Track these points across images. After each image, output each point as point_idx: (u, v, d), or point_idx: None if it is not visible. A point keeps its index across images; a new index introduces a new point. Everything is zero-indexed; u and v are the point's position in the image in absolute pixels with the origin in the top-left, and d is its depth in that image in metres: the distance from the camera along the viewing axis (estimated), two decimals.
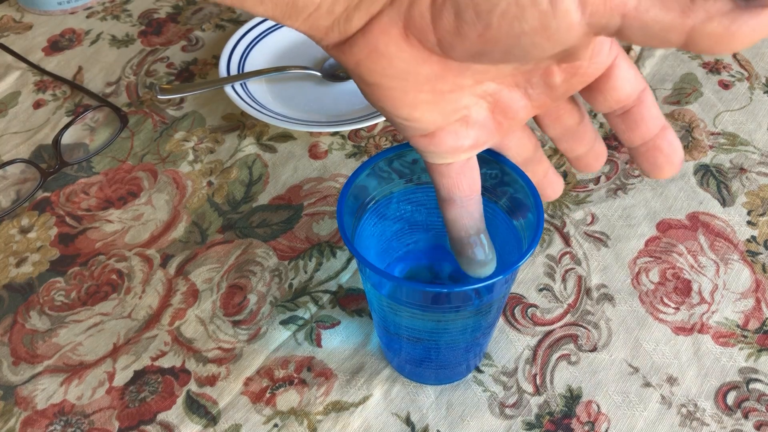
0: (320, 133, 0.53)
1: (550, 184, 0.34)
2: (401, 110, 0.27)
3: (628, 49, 0.59)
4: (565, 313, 0.42)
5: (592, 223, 0.47)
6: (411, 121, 0.27)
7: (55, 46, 0.63)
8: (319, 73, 0.57)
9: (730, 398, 0.39)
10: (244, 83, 0.56)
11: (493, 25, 0.22)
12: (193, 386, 0.40)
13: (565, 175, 0.50)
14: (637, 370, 0.40)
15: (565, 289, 0.44)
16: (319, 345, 0.42)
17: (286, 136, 0.53)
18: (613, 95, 0.27)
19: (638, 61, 0.58)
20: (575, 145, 0.31)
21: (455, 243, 0.32)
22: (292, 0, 0.23)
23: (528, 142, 0.32)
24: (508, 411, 0.39)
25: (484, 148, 0.30)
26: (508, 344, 0.41)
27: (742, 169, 0.50)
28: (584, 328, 0.42)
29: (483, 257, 0.31)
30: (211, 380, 0.40)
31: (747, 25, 0.19)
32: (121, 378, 0.41)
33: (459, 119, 0.28)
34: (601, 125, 0.53)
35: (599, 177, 0.50)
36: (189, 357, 0.41)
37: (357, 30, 0.25)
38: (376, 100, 0.27)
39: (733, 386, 0.39)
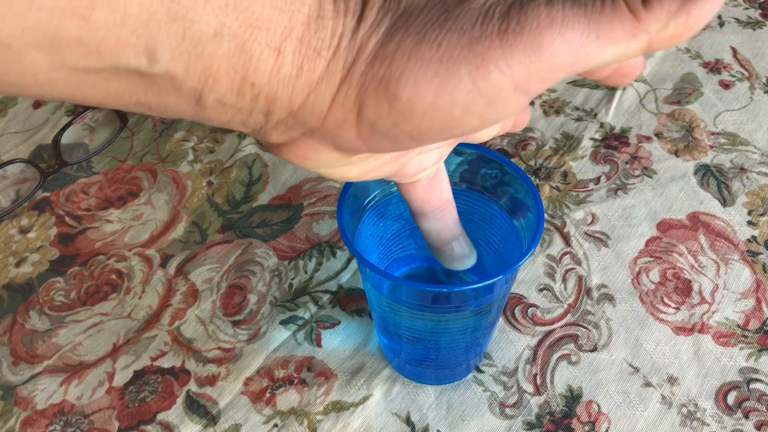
0: None
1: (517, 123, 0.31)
2: (350, 179, 0.25)
3: None
4: (566, 313, 0.42)
5: (592, 223, 0.47)
6: (366, 179, 0.26)
7: None
8: None
9: (731, 398, 0.39)
10: None
11: (433, 140, 0.21)
12: (193, 386, 0.40)
13: (565, 174, 0.50)
14: (637, 370, 0.40)
15: (565, 289, 0.44)
16: (319, 345, 0.41)
17: None
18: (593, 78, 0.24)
19: None
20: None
21: (432, 248, 0.32)
22: (197, 116, 0.21)
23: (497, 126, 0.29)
24: (508, 411, 0.39)
25: (447, 154, 0.29)
26: (509, 344, 0.41)
27: (742, 169, 0.50)
28: (584, 328, 0.42)
29: (460, 253, 0.31)
30: (211, 380, 0.40)
31: (703, 10, 0.19)
32: (121, 378, 0.40)
33: (416, 154, 0.27)
34: (602, 125, 0.53)
35: (599, 177, 0.50)
36: (189, 357, 0.41)
37: (281, 143, 0.23)
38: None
39: (734, 386, 0.39)
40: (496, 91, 0.19)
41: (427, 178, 0.29)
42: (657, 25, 0.19)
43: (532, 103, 0.28)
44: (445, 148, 0.28)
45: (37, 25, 0.17)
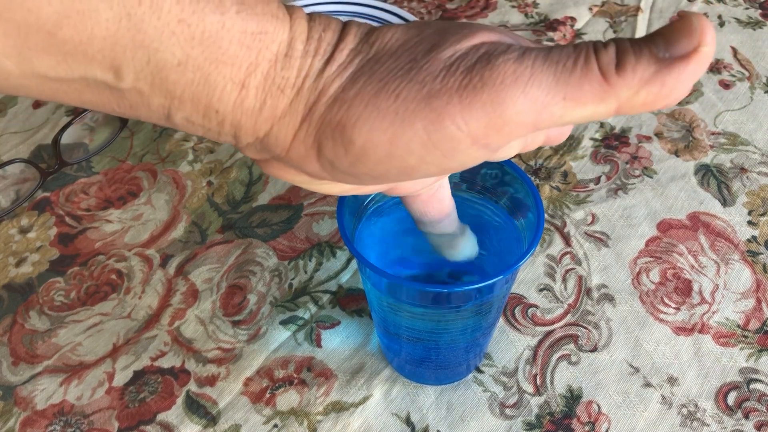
0: None
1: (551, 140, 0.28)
2: (331, 194, 0.26)
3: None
4: (566, 313, 0.42)
5: (592, 223, 0.47)
6: (350, 194, 0.26)
7: None
8: None
9: (731, 398, 0.39)
10: None
11: (393, 181, 0.21)
12: (192, 386, 0.40)
13: (565, 174, 0.50)
14: (637, 370, 0.40)
15: (565, 289, 0.44)
16: (319, 345, 0.41)
17: None
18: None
19: None
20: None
21: (432, 244, 0.32)
22: (172, 126, 0.22)
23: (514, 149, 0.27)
24: (508, 411, 0.39)
25: (447, 175, 0.29)
26: (509, 344, 0.41)
27: (742, 169, 0.50)
28: (585, 328, 0.42)
29: (460, 249, 0.31)
30: (211, 380, 0.40)
31: (678, 81, 0.18)
32: (121, 378, 0.40)
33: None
34: (602, 125, 0.53)
35: (599, 177, 0.50)
36: (189, 357, 0.41)
37: (257, 159, 0.24)
38: None
39: (734, 386, 0.39)
40: (453, 145, 0.19)
41: (427, 194, 0.29)
42: (628, 92, 0.18)
43: None
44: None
45: (5, 35, 0.17)
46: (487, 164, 0.34)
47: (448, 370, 0.39)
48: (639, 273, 0.44)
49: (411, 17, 0.56)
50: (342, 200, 0.31)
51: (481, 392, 0.39)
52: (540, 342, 0.41)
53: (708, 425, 0.38)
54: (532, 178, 0.50)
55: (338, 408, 0.39)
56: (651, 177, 0.50)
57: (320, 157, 0.21)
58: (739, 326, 0.42)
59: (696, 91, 0.56)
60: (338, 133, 0.20)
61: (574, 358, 0.40)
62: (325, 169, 0.21)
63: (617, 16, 0.63)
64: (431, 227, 0.30)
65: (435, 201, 0.29)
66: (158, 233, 0.47)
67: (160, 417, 0.39)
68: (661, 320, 0.42)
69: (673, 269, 0.44)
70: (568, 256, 0.45)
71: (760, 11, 0.62)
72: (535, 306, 0.43)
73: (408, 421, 0.38)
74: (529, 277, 0.44)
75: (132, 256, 0.46)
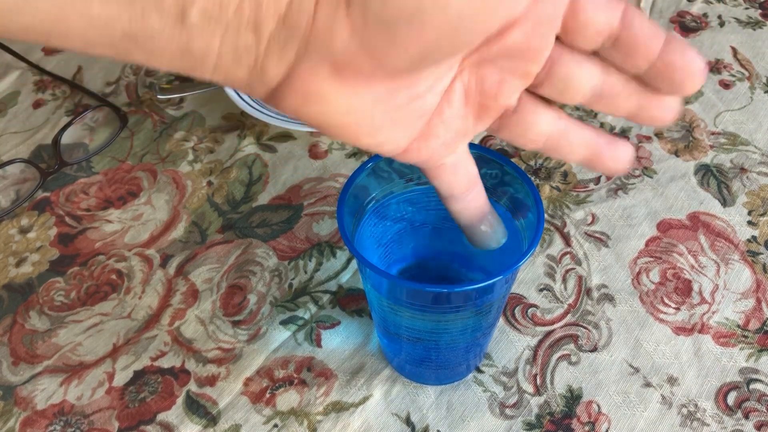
0: (320, 132, 0.53)
1: (609, 158, 0.28)
2: (362, 141, 0.25)
3: None
4: (566, 313, 0.42)
5: (592, 223, 0.47)
6: (377, 147, 0.25)
7: None
8: None
9: (731, 398, 0.39)
10: None
11: (432, 29, 0.20)
12: (192, 386, 0.40)
13: (565, 174, 0.50)
14: (637, 370, 0.40)
15: (565, 289, 0.44)
16: (319, 345, 0.41)
17: (286, 136, 0.53)
18: (589, 30, 0.23)
19: None
20: (618, 102, 0.26)
21: (463, 229, 0.31)
22: (186, 49, 0.21)
23: (546, 125, 0.27)
24: (508, 411, 0.39)
25: (470, 138, 0.28)
26: (509, 344, 0.41)
27: (742, 169, 0.50)
28: (585, 328, 0.42)
29: (491, 232, 0.31)
30: (211, 380, 0.40)
31: None
32: (121, 378, 0.40)
33: (427, 123, 0.26)
34: (602, 125, 0.53)
35: (599, 177, 0.50)
36: (189, 357, 0.41)
37: (280, 79, 0.22)
38: (333, 137, 0.25)
39: (734, 386, 0.39)
40: None
41: (450, 162, 0.28)
42: None
43: None
44: (458, 123, 0.26)
45: None
46: (487, 164, 0.34)
47: (448, 370, 0.39)
48: (639, 273, 0.44)
49: None
50: (342, 200, 0.31)
51: (481, 392, 0.39)
52: (540, 342, 0.41)
53: (708, 425, 0.38)
54: (532, 178, 0.50)
55: (338, 408, 0.39)
56: (651, 177, 0.50)
57: (350, 9, 0.20)
58: (739, 326, 0.42)
59: (696, 91, 0.56)
60: None
61: (574, 358, 0.40)
62: (356, 26, 0.21)
63: None
64: (462, 200, 0.30)
65: (461, 168, 0.29)
66: (158, 233, 0.47)
67: (160, 417, 0.39)
68: (661, 320, 0.42)
69: (673, 269, 0.44)
70: (568, 256, 0.45)
71: (760, 11, 0.62)
72: (535, 306, 0.43)
73: (408, 421, 0.38)
74: (529, 277, 0.44)
75: (132, 256, 0.46)
